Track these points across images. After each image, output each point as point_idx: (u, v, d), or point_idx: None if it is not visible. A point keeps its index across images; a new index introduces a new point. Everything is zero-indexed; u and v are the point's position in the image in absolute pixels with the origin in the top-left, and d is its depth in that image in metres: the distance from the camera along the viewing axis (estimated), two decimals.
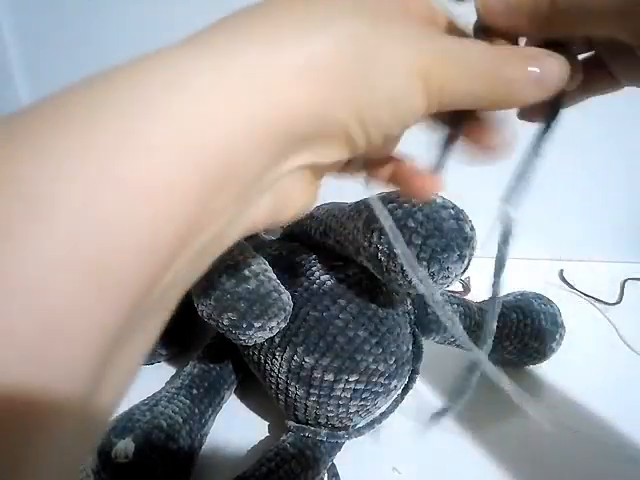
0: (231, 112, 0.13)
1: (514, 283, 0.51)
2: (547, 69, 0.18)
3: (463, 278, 0.57)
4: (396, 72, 0.16)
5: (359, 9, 0.16)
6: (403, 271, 0.33)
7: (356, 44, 0.15)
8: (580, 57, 0.21)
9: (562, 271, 0.62)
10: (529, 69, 0.17)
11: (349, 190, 0.40)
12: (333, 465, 0.39)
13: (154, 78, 0.13)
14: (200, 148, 0.13)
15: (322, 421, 0.38)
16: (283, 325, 0.36)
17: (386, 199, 0.35)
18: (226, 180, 0.14)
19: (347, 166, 0.21)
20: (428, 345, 0.42)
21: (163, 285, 0.13)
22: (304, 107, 0.15)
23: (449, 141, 0.21)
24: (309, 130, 0.15)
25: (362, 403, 0.37)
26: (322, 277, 0.39)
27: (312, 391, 0.37)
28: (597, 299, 0.58)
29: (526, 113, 0.21)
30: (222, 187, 0.14)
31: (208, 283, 0.35)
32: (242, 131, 0.14)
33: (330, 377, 0.36)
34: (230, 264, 0.36)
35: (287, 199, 0.18)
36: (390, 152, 0.21)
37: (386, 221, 0.22)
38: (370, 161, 0.22)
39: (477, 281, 0.57)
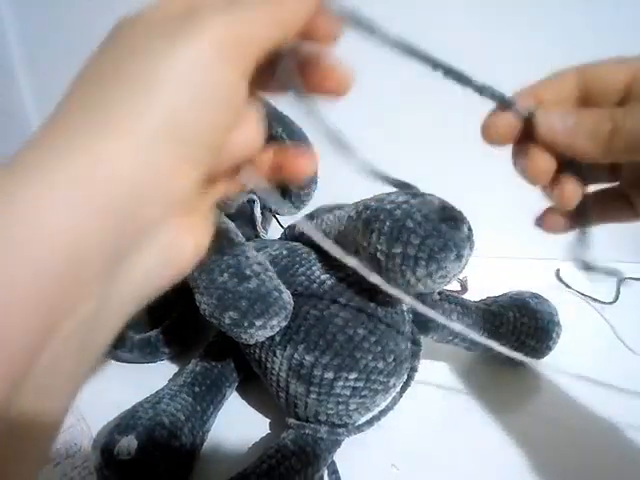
0: (60, 212, 0.14)
1: (511, 283, 0.51)
2: None
3: (461, 277, 0.58)
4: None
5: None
6: (402, 271, 0.33)
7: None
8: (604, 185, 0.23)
9: (558, 270, 0.62)
10: None
11: (349, 190, 0.41)
12: (333, 462, 0.39)
13: None
14: (38, 249, 0.14)
15: (322, 418, 0.38)
16: (284, 324, 0.37)
17: (385, 199, 0.35)
18: (75, 272, 0.15)
19: (211, 183, 0.20)
20: (427, 343, 0.43)
21: (39, 370, 0.14)
22: (125, 184, 0.15)
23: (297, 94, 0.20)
24: (139, 199, 0.16)
25: (361, 401, 0.38)
26: (322, 276, 0.39)
27: (312, 389, 0.37)
28: (593, 298, 0.58)
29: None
30: (74, 278, 0.15)
31: (210, 282, 0.36)
32: (78, 226, 0.15)
33: (330, 375, 0.36)
34: (231, 263, 0.37)
35: (172, 249, 0.18)
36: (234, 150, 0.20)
37: (317, 236, 0.23)
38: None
39: (474, 281, 0.57)
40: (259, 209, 0.49)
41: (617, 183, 0.24)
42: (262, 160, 0.22)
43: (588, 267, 0.21)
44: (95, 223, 0.15)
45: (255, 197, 0.48)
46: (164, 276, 0.19)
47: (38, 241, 0.14)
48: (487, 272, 0.54)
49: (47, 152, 0.15)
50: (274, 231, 0.54)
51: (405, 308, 0.41)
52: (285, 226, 0.50)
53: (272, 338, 0.38)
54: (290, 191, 0.47)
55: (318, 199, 0.50)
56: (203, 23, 0.16)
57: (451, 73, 0.20)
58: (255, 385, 0.43)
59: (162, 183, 0.16)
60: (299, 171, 0.22)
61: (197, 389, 0.41)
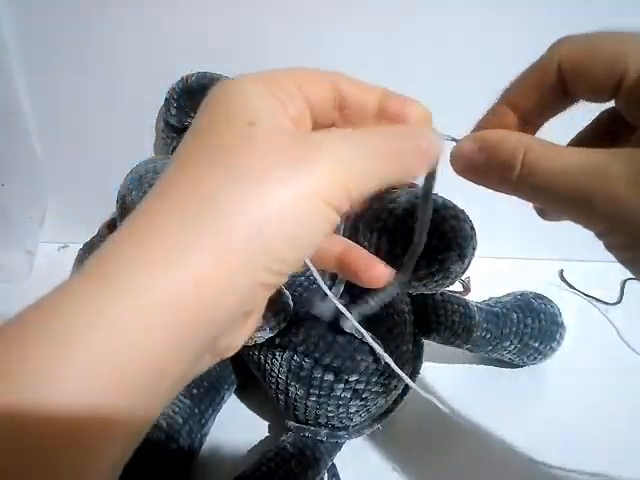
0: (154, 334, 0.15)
1: (514, 283, 0.51)
2: (430, 143, 0.19)
3: (463, 278, 0.57)
4: (295, 216, 0.16)
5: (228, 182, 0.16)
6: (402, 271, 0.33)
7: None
8: None
9: (562, 271, 0.62)
10: (418, 143, 0.19)
11: None
12: (333, 465, 0.39)
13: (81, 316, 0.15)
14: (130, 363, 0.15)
15: (322, 421, 0.38)
16: (283, 325, 0.36)
17: (386, 199, 0.35)
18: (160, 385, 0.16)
19: None
20: (428, 345, 0.42)
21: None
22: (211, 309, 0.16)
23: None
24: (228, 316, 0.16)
25: (362, 403, 0.37)
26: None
27: (312, 391, 0.37)
28: (597, 299, 0.58)
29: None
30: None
31: None
32: (167, 346, 0.15)
33: (330, 377, 0.36)
34: None
35: (228, 348, 0.19)
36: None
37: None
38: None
39: (477, 281, 0.57)
40: None
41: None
42: (329, 250, 0.23)
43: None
44: (175, 343, 0.15)
45: None
46: (208, 362, 0.19)
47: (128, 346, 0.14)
48: (490, 273, 0.54)
49: (141, 265, 0.15)
50: None
51: (407, 309, 0.41)
52: None
53: (271, 340, 0.38)
54: None
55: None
56: (322, 159, 0.17)
57: None
58: (254, 387, 0.43)
59: (242, 303, 0.17)
60: (368, 280, 0.23)
61: (195, 391, 0.40)
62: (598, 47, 0.19)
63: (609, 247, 0.21)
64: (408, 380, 0.26)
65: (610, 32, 0.20)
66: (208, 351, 0.17)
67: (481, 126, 0.23)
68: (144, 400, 0.15)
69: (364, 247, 0.34)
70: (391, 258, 0.33)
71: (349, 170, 0.17)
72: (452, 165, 0.21)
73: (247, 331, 0.20)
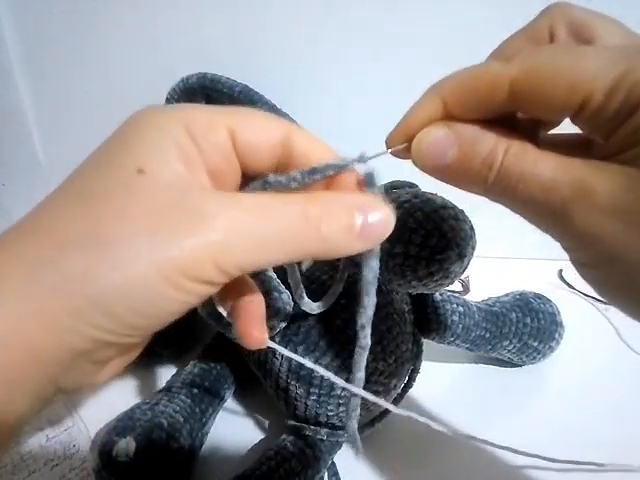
0: None
1: (514, 283, 0.51)
2: (372, 220, 0.17)
3: (463, 278, 0.57)
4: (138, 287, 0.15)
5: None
6: (402, 271, 0.33)
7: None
8: None
9: (561, 271, 0.62)
10: (354, 223, 0.17)
11: None
12: (333, 464, 0.39)
13: None
14: None
15: (322, 420, 0.38)
16: (283, 324, 0.36)
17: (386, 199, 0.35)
18: None
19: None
20: (428, 344, 0.42)
21: None
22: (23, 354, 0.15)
23: None
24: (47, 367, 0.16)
25: (362, 402, 0.37)
26: (322, 276, 0.39)
27: (312, 390, 0.37)
28: (596, 299, 0.58)
29: None
30: None
31: None
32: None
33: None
34: None
35: (79, 384, 0.18)
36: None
37: None
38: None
39: (477, 281, 0.57)
40: None
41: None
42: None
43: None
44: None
45: None
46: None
47: None
48: (489, 272, 0.54)
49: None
50: None
51: (406, 309, 0.41)
52: None
53: (272, 339, 0.38)
54: None
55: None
56: (201, 232, 0.15)
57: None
58: (254, 386, 0.43)
59: (74, 354, 0.16)
60: (247, 340, 0.21)
61: (196, 391, 0.41)
62: (558, 70, 0.17)
63: (574, 262, 0.20)
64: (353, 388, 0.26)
65: (568, 48, 0.18)
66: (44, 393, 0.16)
67: (409, 119, 0.20)
68: None
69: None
70: (391, 258, 0.33)
71: (231, 252, 0.15)
72: (417, 159, 0.19)
73: (105, 375, 0.19)
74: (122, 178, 0.16)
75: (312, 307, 0.28)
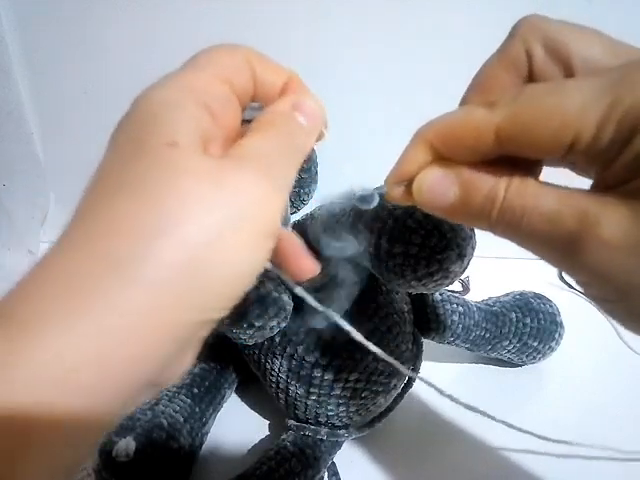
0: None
1: (513, 283, 0.51)
2: (310, 113, 0.20)
3: (462, 278, 0.57)
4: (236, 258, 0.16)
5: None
6: (403, 270, 0.33)
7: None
8: None
9: (561, 271, 0.62)
10: (298, 120, 0.20)
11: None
12: (333, 464, 0.39)
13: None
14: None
15: (322, 420, 0.38)
16: (283, 324, 0.36)
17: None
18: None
19: None
20: (428, 344, 0.42)
21: None
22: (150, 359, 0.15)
23: None
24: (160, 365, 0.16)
25: (362, 402, 0.38)
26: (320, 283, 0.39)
27: (312, 390, 0.37)
28: None
29: None
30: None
31: None
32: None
33: (330, 376, 0.36)
34: None
35: (168, 376, 0.18)
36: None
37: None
38: None
39: (476, 281, 0.57)
40: None
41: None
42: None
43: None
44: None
45: None
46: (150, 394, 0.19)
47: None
48: (489, 272, 0.54)
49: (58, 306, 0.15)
50: None
51: (406, 309, 0.41)
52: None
53: (272, 339, 0.38)
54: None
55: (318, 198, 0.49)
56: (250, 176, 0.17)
57: None
58: (254, 386, 0.43)
59: (177, 343, 0.16)
60: (298, 273, 0.22)
61: (196, 390, 0.41)
62: (542, 114, 0.17)
63: (589, 296, 0.19)
64: (405, 370, 0.26)
65: (549, 88, 0.17)
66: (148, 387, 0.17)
67: (402, 164, 0.21)
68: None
69: (364, 247, 0.35)
70: (391, 258, 0.33)
71: (280, 179, 0.18)
72: (420, 201, 0.20)
73: (189, 361, 0.19)
74: (157, 156, 0.16)
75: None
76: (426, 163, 0.20)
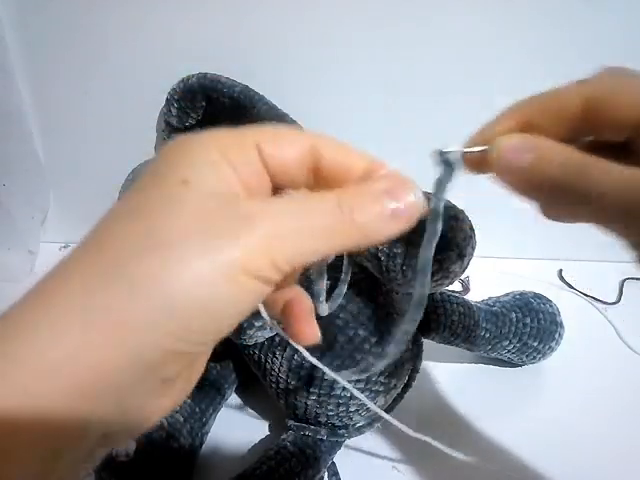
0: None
1: (513, 283, 0.51)
2: (404, 201, 0.17)
3: (463, 278, 0.57)
4: (209, 285, 0.16)
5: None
6: (403, 271, 0.33)
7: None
8: None
9: (561, 271, 0.62)
10: (383, 208, 0.17)
11: None
12: (333, 464, 0.39)
13: None
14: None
15: (322, 420, 0.38)
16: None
17: None
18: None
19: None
20: (428, 344, 0.43)
21: None
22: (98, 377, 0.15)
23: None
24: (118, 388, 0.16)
25: (362, 402, 0.38)
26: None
27: (312, 390, 0.37)
28: (596, 299, 0.58)
29: None
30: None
31: None
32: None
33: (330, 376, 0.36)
34: None
35: (147, 413, 0.18)
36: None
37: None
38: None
39: (476, 281, 0.57)
40: None
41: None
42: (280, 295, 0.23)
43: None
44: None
45: None
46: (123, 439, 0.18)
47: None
48: (489, 272, 0.54)
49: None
50: None
51: (406, 309, 0.41)
52: None
53: (272, 339, 0.38)
54: None
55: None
56: (251, 232, 0.16)
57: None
58: (254, 386, 0.43)
59: (148, 368, 0.16)
60: (297, 337, 0.22)
61: (196, 390, 0.41)
62: (628, 88, 0.18)
63: None
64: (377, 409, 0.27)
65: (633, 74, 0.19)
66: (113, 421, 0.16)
67: (487, 128, 0.21)
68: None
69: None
70: (391, 258, 0.33)
71: (280, 246, 0.16)
72: (494, 159, 0.19)
73: (170, 401, 0.19)
74: (168, 190, 0.17)
75: (323, 309, 0.29)
76: (510, 131, 0.20)
